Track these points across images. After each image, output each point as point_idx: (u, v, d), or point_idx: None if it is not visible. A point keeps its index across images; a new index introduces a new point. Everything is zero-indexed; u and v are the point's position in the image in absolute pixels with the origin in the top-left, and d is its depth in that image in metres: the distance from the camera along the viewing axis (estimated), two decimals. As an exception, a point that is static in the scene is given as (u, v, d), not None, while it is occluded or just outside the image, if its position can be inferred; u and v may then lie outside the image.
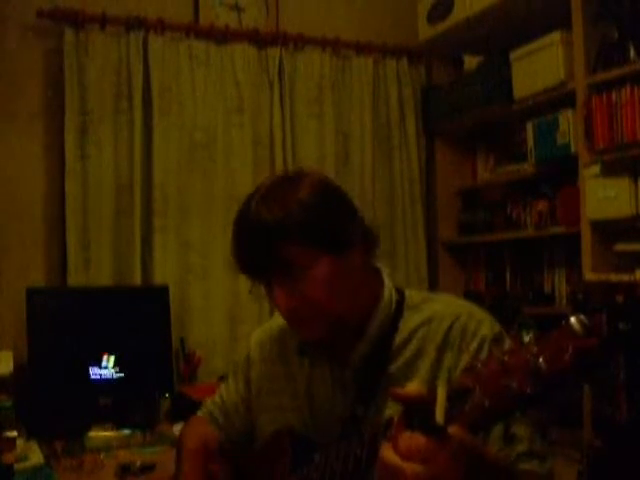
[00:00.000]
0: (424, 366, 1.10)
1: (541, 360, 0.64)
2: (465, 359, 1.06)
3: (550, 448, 1.08)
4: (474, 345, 1.08)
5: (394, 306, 1.16)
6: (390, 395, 0.75)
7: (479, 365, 0.70)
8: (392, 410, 0.82)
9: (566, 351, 0.63)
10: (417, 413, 0.72)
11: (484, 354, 1.05)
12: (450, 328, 1.10)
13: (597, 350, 0.63)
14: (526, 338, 0.67)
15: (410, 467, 0.71)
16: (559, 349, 0.64)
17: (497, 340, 1.06)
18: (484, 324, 1.10)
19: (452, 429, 0.70)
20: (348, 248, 1.09)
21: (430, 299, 1.19)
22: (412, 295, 1.19)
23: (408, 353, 1.12)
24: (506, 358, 0.68)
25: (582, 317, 0.65)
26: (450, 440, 0.70)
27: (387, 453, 0.74)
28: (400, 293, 1.19)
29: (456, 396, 0.69)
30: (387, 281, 1.18)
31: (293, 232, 1.04)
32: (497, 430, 0.72)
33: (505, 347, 0.70)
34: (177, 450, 1.37)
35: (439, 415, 0.69)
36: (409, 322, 1.14)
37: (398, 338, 1.13)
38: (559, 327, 0.66)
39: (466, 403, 0.68)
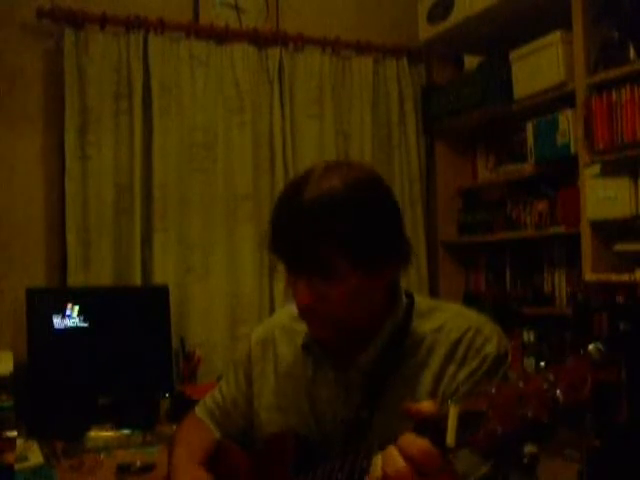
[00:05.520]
0: (428, 375, 1.09)
1: (559, 391, 0.62)
2: (464, 373, 1.06)
3: None
4: (476, 362, 1.07)
5: (404, 312, 1.15)
6: (403, 411, 0.74)
7: (493, 390, 0.68)
8: (398, 415, 0.81)
9: (584, 383, 0.62)
10: (428, 430, 0.71)
11: (482, 371, 1.05)
12: (458, 341, 1.09)
13: (616, 382, 0.62)
14: (541, 364, 0.66)
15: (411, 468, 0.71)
16: (578, 380, 0.62)
17: (500, 358, 1.06)
18: (491, 342, 1.08)
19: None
20: (384, 270, 1.07)
21: (439, 308, 1.17)
22: (421, 301, 1.18)
23: (415, 360, 1.11)
24: (521, 385, 0.66)
25: (600, 346, 0.63)
26: (452, 463, 0.70)
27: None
28: (409, 297, 1.18)
29: (468, 419, 0.68)
30: (402, 289, 1.17)
31: (340, 239, 1.00)
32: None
33: (515, 372, 0.69)
34: (168, 454, 1.34)
35: (450, 437, 0.68)
36: (418, 329, 1.13)
37: (407, 344, 1.12)
38: (576, 355, 0.64)
39: (479, 428, 0.67)
